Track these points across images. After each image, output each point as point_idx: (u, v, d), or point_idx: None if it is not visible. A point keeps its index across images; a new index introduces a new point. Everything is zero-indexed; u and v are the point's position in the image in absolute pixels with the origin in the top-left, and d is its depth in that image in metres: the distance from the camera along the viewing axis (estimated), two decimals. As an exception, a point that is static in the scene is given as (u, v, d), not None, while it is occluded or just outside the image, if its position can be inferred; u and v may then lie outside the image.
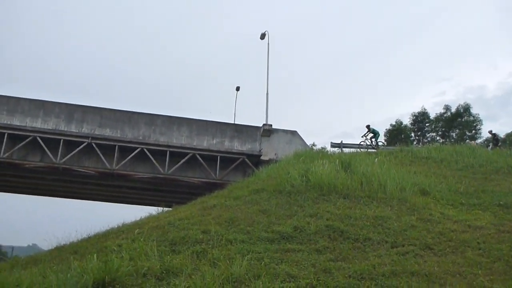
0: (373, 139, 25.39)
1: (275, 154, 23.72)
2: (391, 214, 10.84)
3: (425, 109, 47.90)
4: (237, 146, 24.38)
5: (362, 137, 25.51)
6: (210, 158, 23.98)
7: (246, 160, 24.06)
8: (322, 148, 25.07)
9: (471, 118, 44.49)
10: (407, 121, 49.37)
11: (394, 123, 48.31)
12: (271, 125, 24.44)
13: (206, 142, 24.20)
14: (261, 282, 6.87)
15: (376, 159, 16.51)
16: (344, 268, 7.87)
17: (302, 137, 25.05)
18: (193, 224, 10.20)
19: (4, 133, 22.60)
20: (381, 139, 26.41)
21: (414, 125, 47.98)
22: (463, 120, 44.77)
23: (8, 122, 22.86)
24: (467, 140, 38.27)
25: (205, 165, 23.66)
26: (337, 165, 14.36)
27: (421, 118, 47.53)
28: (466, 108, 44.95)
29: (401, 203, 11.78)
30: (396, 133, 46.64)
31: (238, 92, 36.12)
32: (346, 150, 24.38)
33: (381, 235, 9.53)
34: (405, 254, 8.59)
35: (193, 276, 7.13)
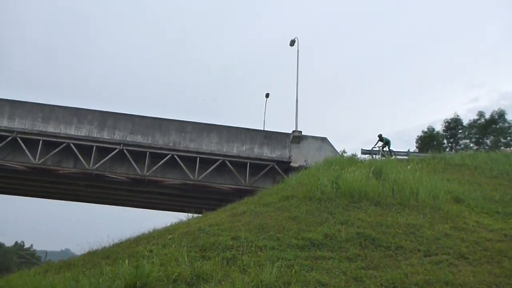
0: (385, 148, 24.75)
1: (305, 160, 23.60)
2: (423, 222, 10.60)
3: (457, 116, 46.83)
4: (267, 152, 24.37)
5: (373, 147, 25.04)
6: (239, 164, 24.05)
7: (276, 166, 24.03)
8: (353, 154, 24.67)
9: (506, 125, 43.13)
10: (439, 127, 48.35)
11: (426, 129, 47.37)
12: (300, 132, 24.36)
13: (236, 149, 24.29)
14: (291, 290, 6.84)
15: (409, 166, 16.21)
16: (376, 276, 7.74)
17: (332, 143, 24.86)
18: (223, 230, 10.23)
19: (39, 139, 23.27)
20: (393, 146, 25.33)
21: (446, 132, 46.93)
22: (497, 126, 43.44)
23: (43, 129, 23.53)
24: (502, 147, 37.13)
25: (235, 171, 23.74)
26: (368, 172, 14.17)
27: (453, 124, 46.45)
28: (501, 114, 43.61)
29: (434, 211, 11.52)
30: (428, 140, 45.66)
31: (267, 98, 36.21)
32: (377, 157, 24.05)
33: (414, 244, 9.34)
34: (438, 263, 8.39)
35: (223, 283, 7.16)
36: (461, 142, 46.02)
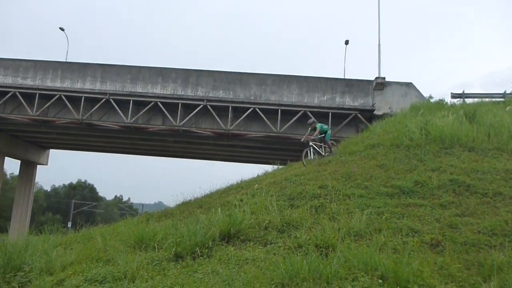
0: (321, 141, 14.45)
1: (389, 108, 22.78)
2: (525, 167, 9.90)
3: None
4: (349, 101, 23.82)
5: (303, 140, 14.48)
6: (321, 114, 23.77)
7: (359, 115, 23.47)
8: (440, 99, 23.25)
9: None
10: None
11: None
12: (384, 78, 23.39)
13: (317, 99, 23.99)
14: (382, 236, 6.75)
15: (508, 108, 15.06)
16: (472, 223, 7.41)
17: (418, 88, 23.65)
18: (310, 180, 10.29)
19: (129, 100, 24.59)
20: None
21: (548, 70, 42.64)
22: None
23: (132, 90, 24.80)
24: None
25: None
26: (460, 116, 13.39)
27: (557, 61, 42.02)
28: None
29: (536, 155, 10.70)
30: (527, 79, 41.86)
31: (347, 46, 34.98)
32: (468, 100, 22.54)
33: (514, 190, 8.77)
34: (543, 210, 7.84)
35: (313, 229, 7.24)
36: None
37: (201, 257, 6.47)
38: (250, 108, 23.98)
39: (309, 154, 13.71)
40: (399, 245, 6.51)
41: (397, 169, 10.31)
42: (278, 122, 23.68)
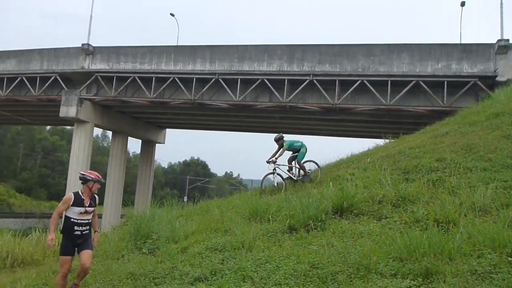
0: (293, 162, 10.79)
1: (515, 73, 20.67)
2: None
3: None
4: (467, 68, 22.02)
5: (270, 160, 10.44)
6: (435, 84, 22.34)
7: (478, 82, 21.60)
8: None
9: None
10: None
11: None
12: (507, 40, 21.20)
13: (430, 67, 22.52)
14: (511, 212, 6.22)
15: None
16: None
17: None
18: (425, 153, 9.80)
19: (237, 78, 25.26)
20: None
21: None
22: None
23: (239, 69, 25.42)
24: None
25: (430, 92, 22.17)
26: None
27: None
28: None
29: None
30: None
31: (463, 8, 32.27)
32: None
33: None
34: None
35: (431, 204, 6.91)
36: None
37: (315, 230, 6.54)
38: (357, 81, 23.27)
39: (272, 179, 10.55)
40: (531, 222, 5.96)
41: (527, 140, 9.40)
42: (388, 94, 22.72)
